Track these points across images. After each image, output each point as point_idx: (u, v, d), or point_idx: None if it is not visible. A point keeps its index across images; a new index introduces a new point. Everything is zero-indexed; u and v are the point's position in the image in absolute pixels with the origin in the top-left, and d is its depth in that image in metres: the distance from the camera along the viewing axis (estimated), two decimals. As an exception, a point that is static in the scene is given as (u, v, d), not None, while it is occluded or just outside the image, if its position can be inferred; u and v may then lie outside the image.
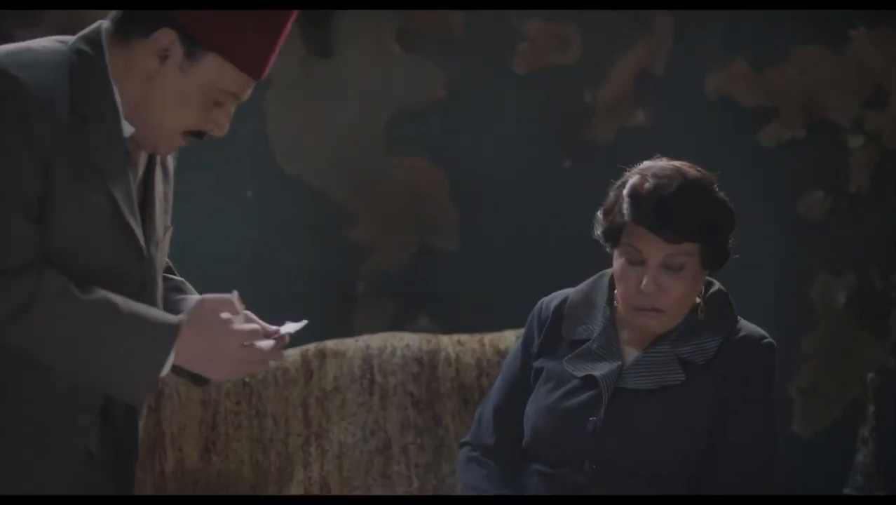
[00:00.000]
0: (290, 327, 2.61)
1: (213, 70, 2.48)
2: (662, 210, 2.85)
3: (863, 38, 4.46)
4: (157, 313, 2.48)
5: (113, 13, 2.53)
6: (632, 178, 2.91)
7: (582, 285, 3.06)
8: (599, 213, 2.95)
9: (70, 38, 2.53)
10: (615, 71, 4.37)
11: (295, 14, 2.53)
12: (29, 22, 4.06)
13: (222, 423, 3.66)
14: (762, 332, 2.99)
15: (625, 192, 2.89)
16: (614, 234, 2.91)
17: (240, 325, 2.51)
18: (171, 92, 2.48)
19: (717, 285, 3.03)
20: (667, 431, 2.87)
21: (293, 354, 3.70)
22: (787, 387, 4.48)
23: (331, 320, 4.23)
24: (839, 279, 4.50)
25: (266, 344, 2.53)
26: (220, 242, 4.18)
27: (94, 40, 2.50)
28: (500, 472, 3.02)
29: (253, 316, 2.57)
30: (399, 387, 3.69)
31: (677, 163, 2.95)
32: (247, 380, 3.65)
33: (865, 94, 4.48)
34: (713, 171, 3.00)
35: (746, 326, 2.99)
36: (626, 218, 2.87)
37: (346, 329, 4.19)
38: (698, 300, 2.98)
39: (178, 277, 2.78)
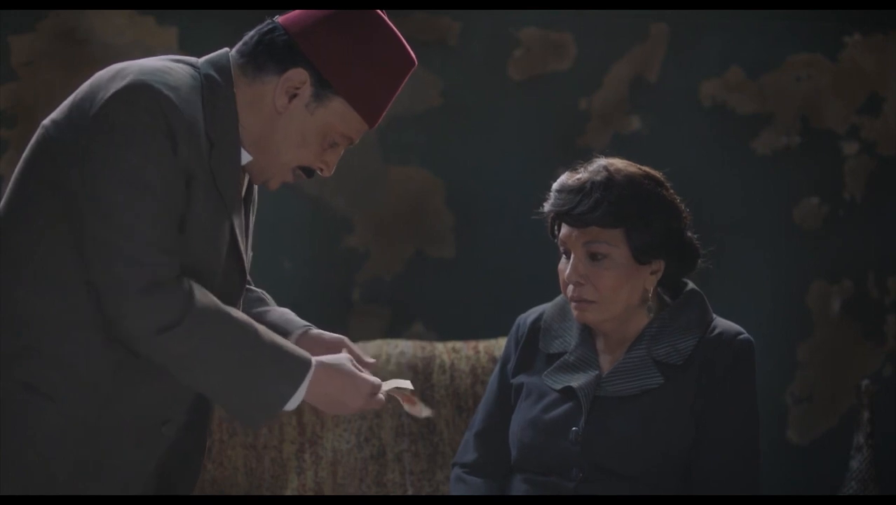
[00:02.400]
0: (392, 383, 2.72)
1: (337, 114, 2.58)
2: (570, 197, 2.90)
3: (857, 45, 4.47)
4: (293, 346, 2.55)
5: (243, 45, 2.60)
6: (562, 175, 2.97)
7: (557, 299, 3.09)
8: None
9: (191, 59, 2.60)
10: (610, 78, 4.37)
11: (414, 68, 2.64)
12: (24, 28, 4.06)
13: (216, 429, 3.66)
14: (738, 328, 2.99)
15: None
16: (552, 230, 2.97)
17: (367, 375, 2.62)
18: (294, 130, 2.57)
19: (690, 286, 3.04)
20: (648, 434, 2.88)
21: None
22: (783, 394, 4.49)
23: (326, 327, 4.22)
24: (834, 286, 4.50)
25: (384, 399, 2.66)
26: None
27: (222, 68, 2.57)
28: (484, 485, 3.03)
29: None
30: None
31: (619, 160, 2.98)
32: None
33: (860, 101, 4.49)
34: (663, 175, 3.00)
35: (722, 324, 2.99)
36: (546, 210, 2.94)
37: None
38: (668, 300, 3.00)
39: (258, 288, 2.87)
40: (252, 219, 2.76)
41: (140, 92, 2.44)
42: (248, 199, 2.72)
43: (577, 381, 2.95)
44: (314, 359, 2.56)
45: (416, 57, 2.68)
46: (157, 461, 2.62)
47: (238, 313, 2.50)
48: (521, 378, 3.06)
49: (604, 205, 2.87)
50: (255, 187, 2.76)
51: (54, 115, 2.53)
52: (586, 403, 2.92)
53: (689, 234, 3.01)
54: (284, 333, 2.77)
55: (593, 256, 2.90)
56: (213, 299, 2.47)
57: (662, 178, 2.98)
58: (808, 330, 4.50)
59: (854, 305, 4.51)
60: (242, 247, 2.62)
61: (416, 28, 4.22)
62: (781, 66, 4.45)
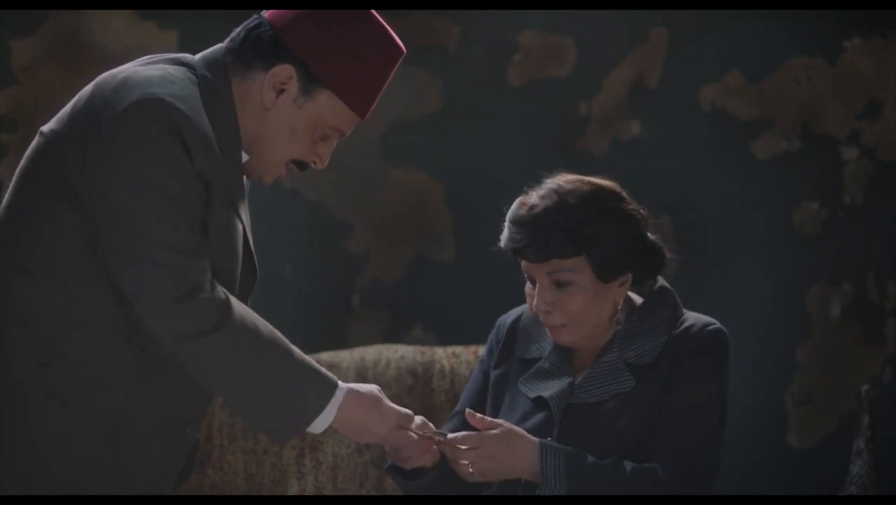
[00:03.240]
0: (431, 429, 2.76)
1: (326, 106, 2.58)
2: (525, 232, 2.85)
3: (857, 49, 4.47)
4: (322, 368, 2.56)
5: (231, 43, 2.60)
6: (514, 203, 2.92)
7: None
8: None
9: (187, 58, 2.61)
10: (610, 82, 4.37)
11: (402, 57, 2.64)
12: (24, 32, 4.06)
13: (216, 434, 3.65)
14: (709, 319, 2.94)
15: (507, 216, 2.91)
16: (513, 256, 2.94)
17: (396, 406, 2.66)
18: (284, 125, 2.58)
19: (660, 283, 3.01)
20: (620, 437, 2.86)
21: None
22: (782, 396, 4.49)
23: (326, 331, 4.23)
24: (834, 290, 4.50)
25: (413, 434, 2.69)
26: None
27: (217, 68, 2.58)
28: None
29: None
30: (394, 399, 3.65)
31: (568, 178, 2.91)
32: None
33: (860, 105, 4.49)
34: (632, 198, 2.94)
35: (692, 318, 2.95)
36: (501, 245, 2.90)
37: (341, 340, 4.19)
38: (641, 300, 2.98)
39: None
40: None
41: (152, 106, 2.44)
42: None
43: (549, 389, 2.94)
44: (344, 384, 2.57)
45: (416, 61, 2.68)
46: (182, 462, 2.64)
47: (270, 327, 2.51)
48: (497, 383, 3.06)
49: (559, 235, 2.83)
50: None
51: (53, 123, 2.53)
52: (558, 413, 2.92)
53: (650, 237, 2.96)
54: None
55: (558, 284, 2.87)
56: (248, 309, 2.49)
57: (616, 188, 2.92)
58: (808, 334, 4.50)
59: (854, 309, 4.51)
60: (252, 246, 2.64)
61: (415, 32, 4.22)
62: (781, 70, 4.44)
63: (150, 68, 2.54)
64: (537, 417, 2.94)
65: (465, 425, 2.90)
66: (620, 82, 4.37)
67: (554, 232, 2.83)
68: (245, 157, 2.61)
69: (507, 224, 2.90)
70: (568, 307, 2.88)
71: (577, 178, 2.92)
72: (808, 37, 4.44)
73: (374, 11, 2.61)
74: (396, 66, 2.65)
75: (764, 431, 4.47)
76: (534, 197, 2.88)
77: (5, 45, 4.07)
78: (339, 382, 2.57)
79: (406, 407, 3.67)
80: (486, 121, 4.31)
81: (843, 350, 4.52)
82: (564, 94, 4.35)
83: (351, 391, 2.57)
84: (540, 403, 2.95)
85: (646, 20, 4.36)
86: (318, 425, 2.54)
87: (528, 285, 2.94)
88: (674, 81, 4.38)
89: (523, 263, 2.91)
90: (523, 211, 2.87)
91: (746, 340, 3.08)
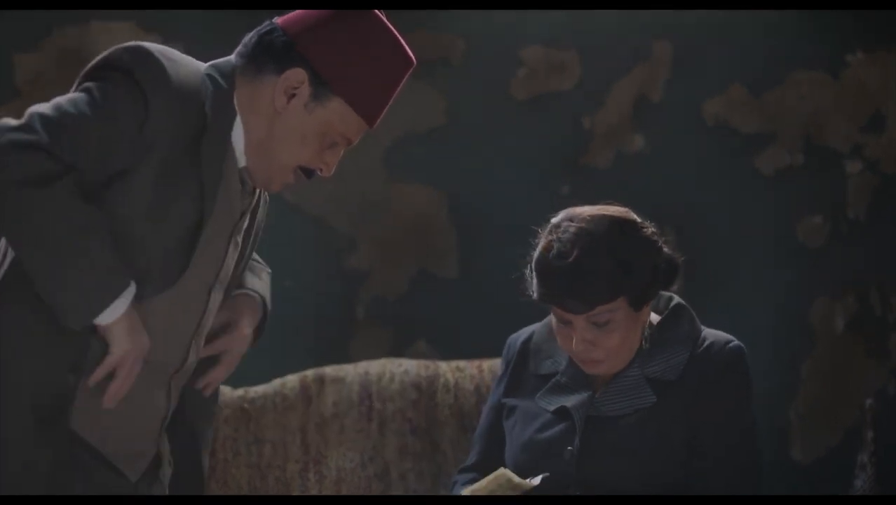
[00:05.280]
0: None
1: (336, 113, 2.60)
2: (565, 287, 2.84)
3: (860, 63, 4.47)
4: (115, 263, 2.48)
5: (243, 48, 2.63)
6: (538, 249, 2.89)
7: (547, 319, 3.06)
8: (528, 275, 2.94)
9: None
10: (613, 96, 4.37)
11: (412, 68, 2.66)
12: (28, 47, 4.07)
13: (220, 449, 3.65)
14: (727, 336, 2.98)
15: (532, 266, 2.89)
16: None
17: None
18: (293, 129, 2.59)
19: (676, 300, 3.02)
20: (644, 452, 2.88)
21: (292, 379, 3.69)
22: (786, 411, 4.48)
23: (330, 346, 4.23)
24: (838, 304, 4.50)
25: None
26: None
27: (225, 72, 2.61)
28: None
29: None
30: (398, 413, 3.68)
31: (583, 215, 2.89)
32: (245, 406, 3.65)
33: (863, 118, 4.49)
34: (642, 221, 2.95)
35: (712, 335, 2.99)
36: (536, 297, 2.89)
37: (345, 355, 4.19)
38: (657, 318, 2.99)
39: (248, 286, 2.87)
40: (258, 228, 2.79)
41: (136, 52, 2.52)
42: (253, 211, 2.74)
43: (570, 401, 2.96)
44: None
45: (420, 76, 2.69)
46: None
47: (93, 218, 2.47)
48: (512, 400, 3.07)
49: (596, 283, 2.83)
50: (263, 205, 2.78)
51: None
52: (580, 423, 2.93)
53: (667, 251, 2.97)
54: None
55: (596, 324, 2.89)
56: (77, 199, 2.46)
57: (630, 216, 2.93)
58: (812, 347, 4.49)
59: (858, 322, 4.51)
60: (220, 244, 2.62)
61: (419, 47, 4.21)
62: (784, 83, 4.45)
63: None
64: (558, 428, 2.95)
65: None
66: (624, 96, 4.38)
67: (590, 280, 2.83)
68: (243, 161, 2.61)
69: (536, 275, 2.89)
70: (608, 343, 2.89)
71: (591, 214, 2.90)
72: (812, 50, 4.44)
73: (386, 21, 2.63)
74: (406, 77, 2.66)
75: (767, 444, 4.46)
76: (557, 243, 2.86)
77: (10, 58, 4.08)
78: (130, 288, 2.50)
79: (410, 421, 3.69)
80: (489, 135, 4.32)
81: (847, 364, 4.51)
82: (568, 108, 4.35)
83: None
84: (561, 413, 2.96)
85: (648, 34, 4.37)
86: (110, 314, 2.48)
87: (557, 324, 2.94)
88: (677, 95, 4.39)
89: (557, 309, 2.90)
90: (553, 261, 2.85)
91: (750, 354, 3.08)
